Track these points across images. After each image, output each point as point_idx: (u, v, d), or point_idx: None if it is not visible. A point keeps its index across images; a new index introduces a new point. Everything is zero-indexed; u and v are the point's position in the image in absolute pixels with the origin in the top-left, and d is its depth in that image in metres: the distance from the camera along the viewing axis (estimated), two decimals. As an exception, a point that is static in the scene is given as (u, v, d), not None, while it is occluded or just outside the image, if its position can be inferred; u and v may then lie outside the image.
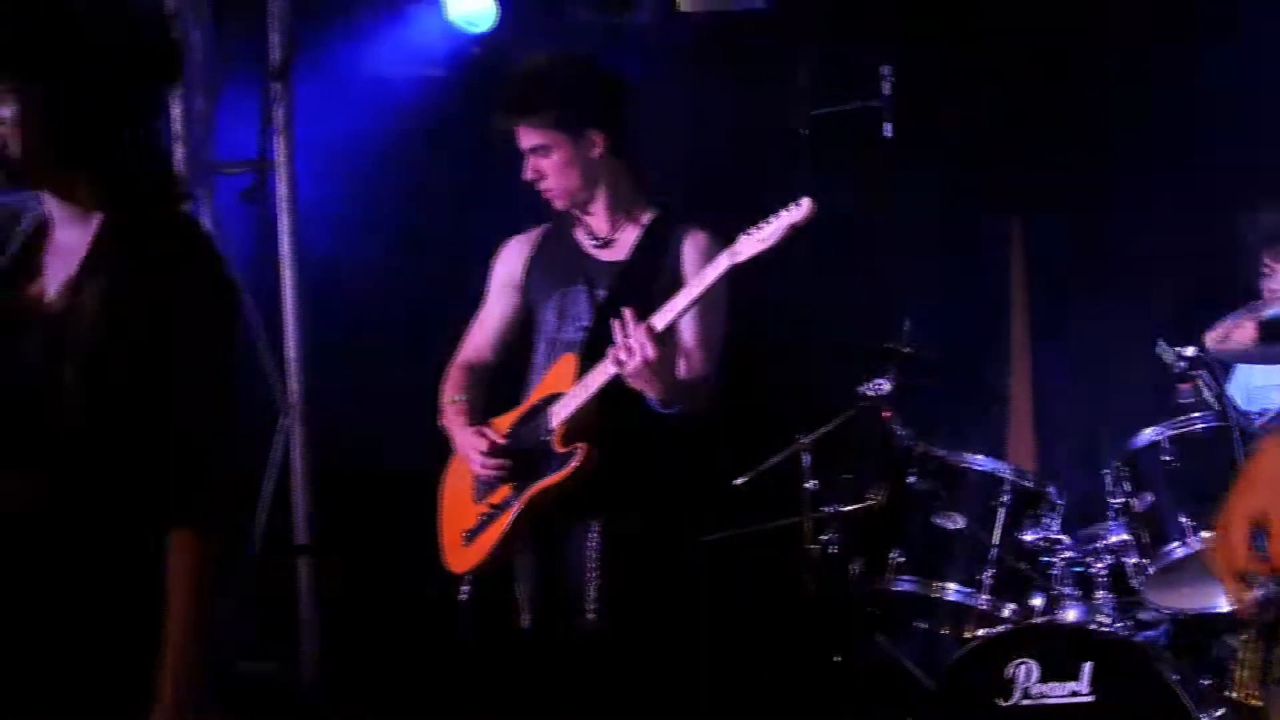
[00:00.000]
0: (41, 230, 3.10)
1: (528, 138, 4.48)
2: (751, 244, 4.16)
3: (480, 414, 4.62)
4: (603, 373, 4.31)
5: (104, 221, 2.99)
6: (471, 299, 4.75)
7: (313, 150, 6.09)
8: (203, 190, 5.88)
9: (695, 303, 4.22)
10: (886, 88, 5.68)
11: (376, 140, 6.28)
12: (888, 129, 5.72)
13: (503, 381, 4.74)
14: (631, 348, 4.18)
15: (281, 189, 5.97)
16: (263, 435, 5.93)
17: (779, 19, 6.20)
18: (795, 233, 4.10)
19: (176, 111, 5.65)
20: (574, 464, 4.33)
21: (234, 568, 3.15)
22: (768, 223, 4.11)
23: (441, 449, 4.61)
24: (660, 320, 4.21)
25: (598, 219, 4.60)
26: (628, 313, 4.22)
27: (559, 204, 4.56)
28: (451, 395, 4.67)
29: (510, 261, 4.75)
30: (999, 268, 6.54)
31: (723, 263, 4.19)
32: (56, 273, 3.03)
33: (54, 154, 2.97)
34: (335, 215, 6.19)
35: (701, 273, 4.26)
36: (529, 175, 4.52)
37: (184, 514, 2.97)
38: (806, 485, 5.17)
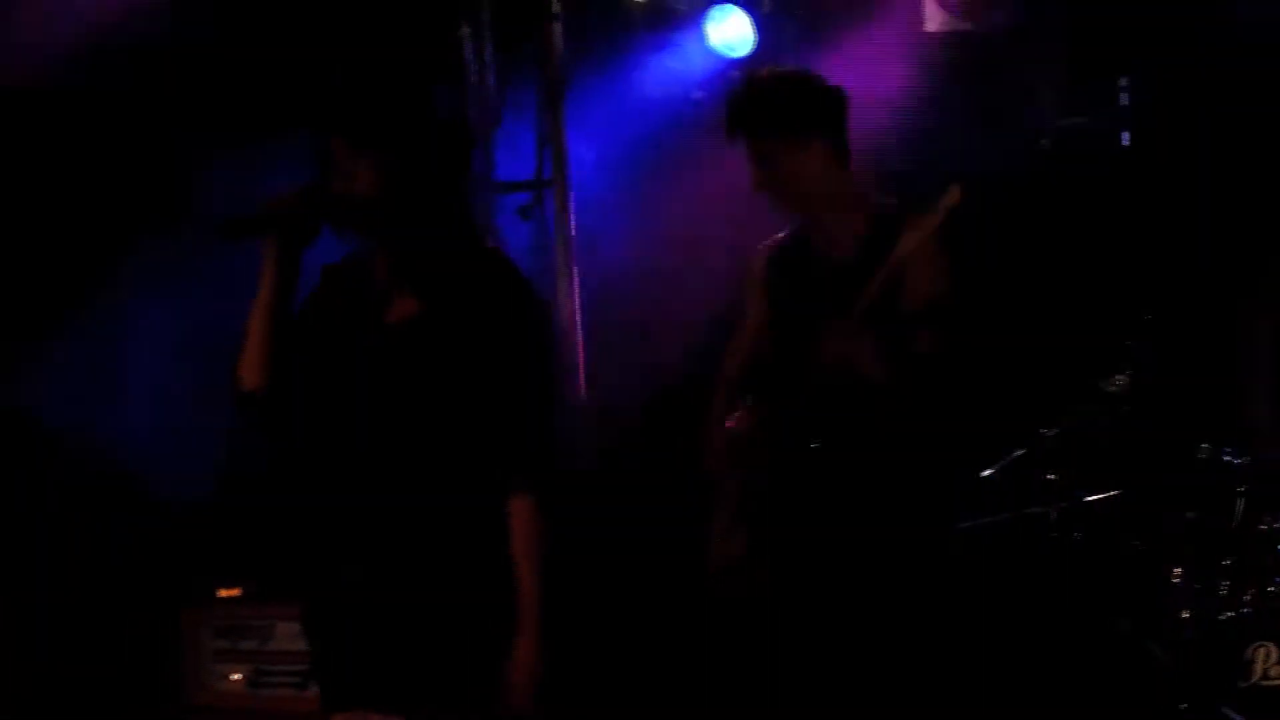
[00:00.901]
0: (366, 276, 3.63)
1: (754, 148, 4.56)
2: (913, 237, 4.28)
3: None
4: (821, 370, 4.42)
5: (438, 258, 3.52)
6: (734, 307, 4.89)
7: (585, 169, 6.31)
8: (485, 209, 6.19)
9: (880, 295, 4.30)
10: (1124, 99, 5.86)
11: (644, 159, 6.46)
12: (1125, 139, 5.91)
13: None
14: (839, 342, 4.32)
15: (557, 206, 6.22)
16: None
17: (1020, 35, 6.28)
18: (950, 215, 4.21)
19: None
20: (807, 458, 4.46)
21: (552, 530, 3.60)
22: (927, 212, 4.23)
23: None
24: (861, 314, 4.32)
25: (824, 224, 4.64)
26: (834, 314, 4.34)
27: (786, 211, 4.64)
28: (718, 408, 4.76)
29: (756, 270, 4.85)
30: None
31: (893, 260, 4.29)
32: (394, 306, 3.56)
33: (394, 206, 3.48)
34: (607, 230, 6.39)
35: (886, 266, 4.33)
36: (757, 183, 4.59)
37: (525, 484, 3.49)
38: (1050, 476, 5.26)
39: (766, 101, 4.58)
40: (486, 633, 3.50)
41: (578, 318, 6.23)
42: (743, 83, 4.70)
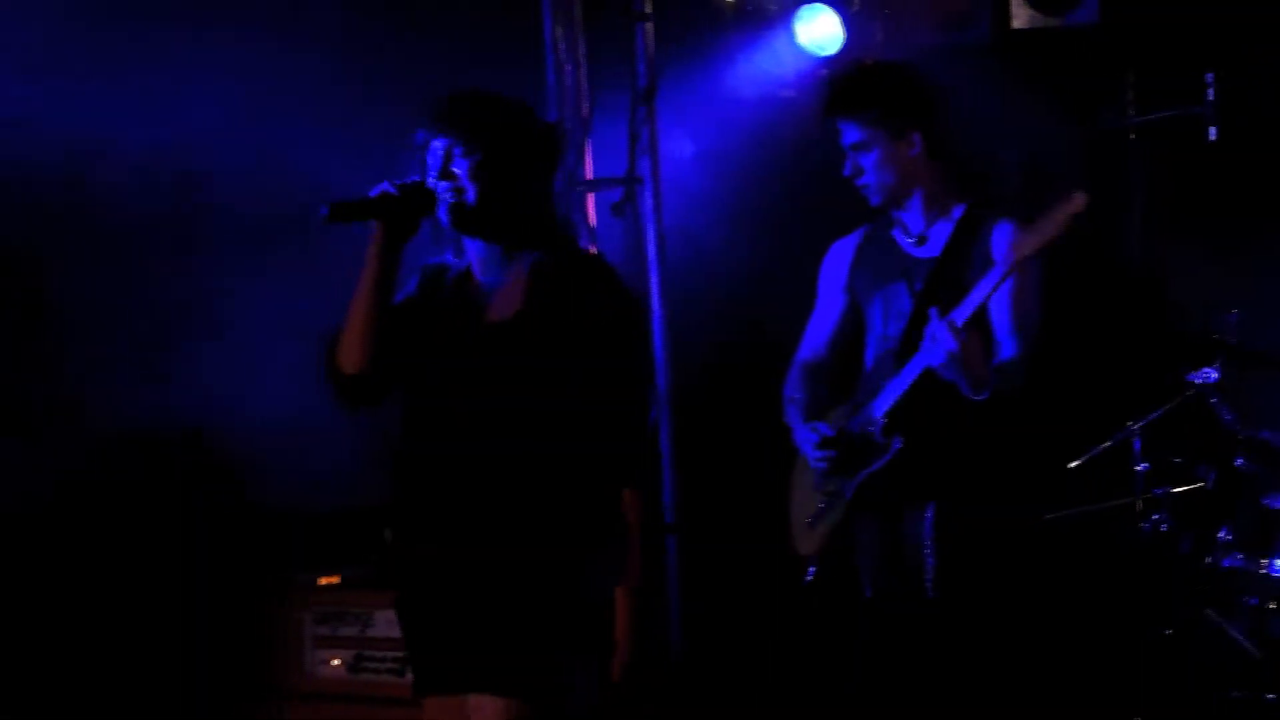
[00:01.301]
0: (465, 276, 3.78)
1: (850, 133, 4.61)
2: (1033, 239, 4.28)
3: (818, 410, 4.80)
4: (915, 366, 4.45)
5: (537, 259, 3.67)
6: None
7: (676, 166, 6.35)
8: (578, 206, 6.22)
9: (990, 295, 4.34)
10: (1210, 94, 5.83)
11: (734, 156, 6.52)
12: (1212, 133, 5.86)
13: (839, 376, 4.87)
14: (936, 340, 4.29)
15: (648, 202, 6.23)
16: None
17: (1105, 30, 6.23)
18: (1074, 222, 4.22)
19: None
20: (893, 454, 4.52)
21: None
22: (1046, 217, 4.24)
23: (788, 442, 4.84)
24: (960, 315, 4.33)
25: (913, 215, 4.69)
26: (933, 310, 4.34)
27: (875, 200, 4.66)
28: (790, 394, 4.87)
29: (835, 264, 4.90)
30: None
31: (1011, 258, 4.30)
32: (494, 305, 3.69)
33: (496, 207, 3.63)
34: (697, 225, 6.44)
35: (990, 270, 4.36)
36: (848, 171, 4.63)
37: (630, 478, 3.65)
38: (1137, 468, 5.30)
39: (871, 89, 4.65)
40: (584, 616, 3.60)
41: (666, 312, 6.24)
42: (847, 69, 4.80)
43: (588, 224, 6.27)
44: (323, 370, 3.72)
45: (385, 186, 3.61)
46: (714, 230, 6.51)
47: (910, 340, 4.51)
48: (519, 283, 3.66)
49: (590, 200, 6.32)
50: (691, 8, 6.49)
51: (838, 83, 4.78)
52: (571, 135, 6.26)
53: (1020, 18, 6.23)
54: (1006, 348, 4.48)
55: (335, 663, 5.71)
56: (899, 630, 4.62)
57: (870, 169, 4.60)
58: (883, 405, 4.55)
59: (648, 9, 6.23)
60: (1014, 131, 6.20)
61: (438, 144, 3.64)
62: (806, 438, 4.71)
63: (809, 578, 4.77)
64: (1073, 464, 5.38)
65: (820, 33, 6.41)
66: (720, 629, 6.22)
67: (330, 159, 5.26)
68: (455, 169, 3.62)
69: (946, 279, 4.56)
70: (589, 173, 6.33)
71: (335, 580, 5.81)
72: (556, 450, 3.60)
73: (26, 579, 5.54)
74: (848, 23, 6.42)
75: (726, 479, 6.25)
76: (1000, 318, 4.49)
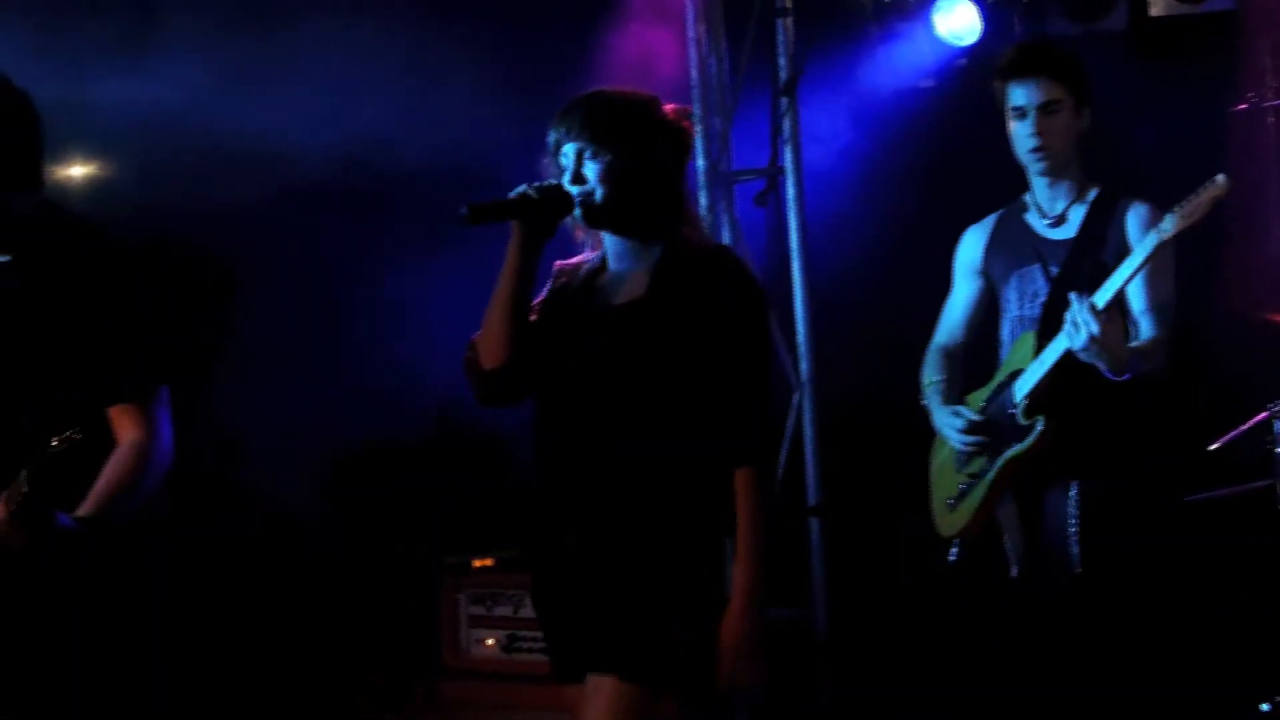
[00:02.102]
0: (599, 269, 3.83)
1: (1045, 92, 4.59)
2: (1178, 221, 4.25)
3: (957, 392, 4.82)
4: (1056, 348, 4.43)
5: (665, 249, 3.72)
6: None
7: (817, 157, 6.41)
8: (722, 197, 6.35)
9: (1131, 279, 4.32)
10: None
11: (874, 146, 6.55)
12: None
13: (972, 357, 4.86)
14: (1078, 324, 4.26)
15: (790, 193, 6.33)
16: (778, 409, 6.21)
17: (1243, 16, 6.20)
18: (1217, 207, 4.20)
19: (697, 129, 5.88)
20: (1035, 436, 4.47)
21: (776, 502, 3.68)
22: (1191, 200, 4.22)
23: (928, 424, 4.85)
24: (1101, 298, 4.31)
25: (1055, 195, 4.68)
26: (1073, 295, 4.30)
27: (1043, 165, 4.63)
28: (929, 377, 4.87)
29: (970, 248, 4.90)
30: None
31: (1151, 241, 4.29)
32: (622, 291, 3.75)
33: (626, 204, 3.71)
34: (838, 214, 6.47)
35: (1133, 252, 4.35)
36: (1032, 133, 4.59)
37: (744, 459, 3.62)
38: (1277, 450, 5.15)
39: (1064, 55, 4.69)
40: (703, 601, 3.61)
41: (808, 298, 6.34)
42: (1034, 37, 4.82)
43: (731, 214, 6.37)
44: (466, 367, 3.79)
45: (523, 189, 3.66)
46: (854, 218, 6.55)
47: (1050, 322, 4.51)
48: (646, 271, 3.73)
49: (734, 191, 6.41)
50: (831, 1, 6.53)
51: (1027, 46, 4.79)
52: (715, 128, 6.38)
53: (1158, 4, 6.22)
54: (1145, 330, 4.48)
55: (490, 642, 5.87)
56: (1044, 609, 4.59)
57: (1056, 130, 4.59)
58: (1024, 387, 4.54)
59: (788, 4, 6.33)
60: (1150, 116, 6.18)
61: (569, 147, 3.71)
62: (948, 421, 4.73)
63: (952, 559, 4.78)
64: (1213, 445, 5.28)
65: (958, 24, 6.42)
66: (865, 608, 6.31)
67: (505, 157, 5.40)
68: (586, 172, 3.69)
69: (1083, 262, 4.56)
70: (732, 164, 6.43)
71: (489, 563, 5.98)
72: (675, 437, 3.63)
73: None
74: (985, 13, 6.40)
75: (869, 461, 6.30)
76: (1138, 301, 4.50)
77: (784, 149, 6.35)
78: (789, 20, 6.34)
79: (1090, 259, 4.55)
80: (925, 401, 4.87)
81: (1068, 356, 4.39)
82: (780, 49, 6.38)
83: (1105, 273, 4.42)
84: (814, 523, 6.33)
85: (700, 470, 3.63)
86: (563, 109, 3.72)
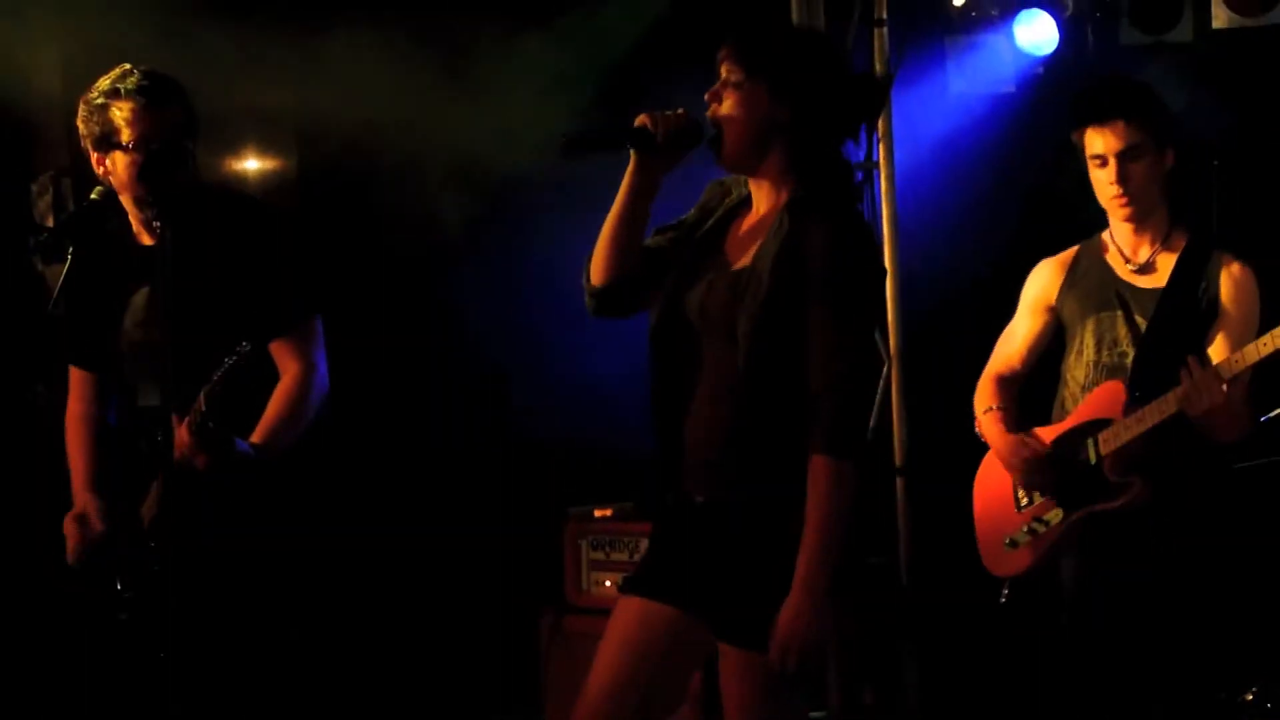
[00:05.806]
0: (733, 211, 3.69)
1: (1126, 137, 4.33)
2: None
3: (1015, 423, 4.60)
4: (1162, 409, 4.19)
5: (787, 202, 3.54)
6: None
7: (908, 153, 6.58)
8: None
9: (1264, 360, 4.08)
10: None
11: (959, 145, 6.73)
12: None
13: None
14: (1200, 392, 4.07)
15: (883, 185, 6.48)
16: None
17: None
18: None
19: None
20: (1129, 495, 4.28)
21: (861, 486, 3.46)
22: None
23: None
24: (1228, 370, 4.11)
25: (1138, 239, 4.45)
26: (1192, 360, 4.10)
27: (1126, 211, 4.39)
28: (987, 404, 4.66)
29: (1043, 282, 4.66)
30: None
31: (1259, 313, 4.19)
32: (744, 241, 3.63)
33: (759, 148, 3.55)
34: (927, 206, 6.65)
35: (1270, 334, 4.08)
36: (1114, 180, 4.34)
37: (823, 444, 3.43)
38: None
39: (1142, 95, 4.45)
40: (770, 576, 3.48)
41: (900, 283, 6.54)
42: (1100, 82, 4.61)
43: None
44: (583, 278, 3.76)
45: (645, 120, 3.53)
46: (942, 210, 6.74)
47: (1144, 376, 4.31)
48: (770, 215, 3.57)
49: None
50: (922, 13, 6.66)
51: (1103, 89, 4.50)
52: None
53: (1221, 18, 6.34)
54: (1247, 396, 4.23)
55: (608, 583, 6.24)
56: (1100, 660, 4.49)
57: (1137, 177, 4.35)
58: (1114, 442, 4.33)
59: (884, 15, 6.59)
60: (1218, 138, 6.06)
61: (724, 68, 3.53)
62: (1015, 450, 4.51)
63: (1003, 600, 4.60)
64: (1264, 417, 4.96)
65: (1037, 34, 6.56)
66: (945, 567, 6.36)
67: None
68: (724, 91, 3.55)
69: (1172, 315, 4.33)
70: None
71: (608, 513, 6.38)
72: (767, 409, 3.49)
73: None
74: (1061, 26, 6.54)
75: (950, 433, 6.28)
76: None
77: (878, 144, 6.47)
78: (883, 30, 6.54)
79: (1180, 314, 4.35)
80: (979, 429, 4.70)
81: (1173, 418, 4.21)
82: (875, 55, 6.60)
83: (1198, 329, 4.28)
84: (899, 481, 6.56)
85: (790, 447, 3.48)
86: (734, 25, 3.59)
